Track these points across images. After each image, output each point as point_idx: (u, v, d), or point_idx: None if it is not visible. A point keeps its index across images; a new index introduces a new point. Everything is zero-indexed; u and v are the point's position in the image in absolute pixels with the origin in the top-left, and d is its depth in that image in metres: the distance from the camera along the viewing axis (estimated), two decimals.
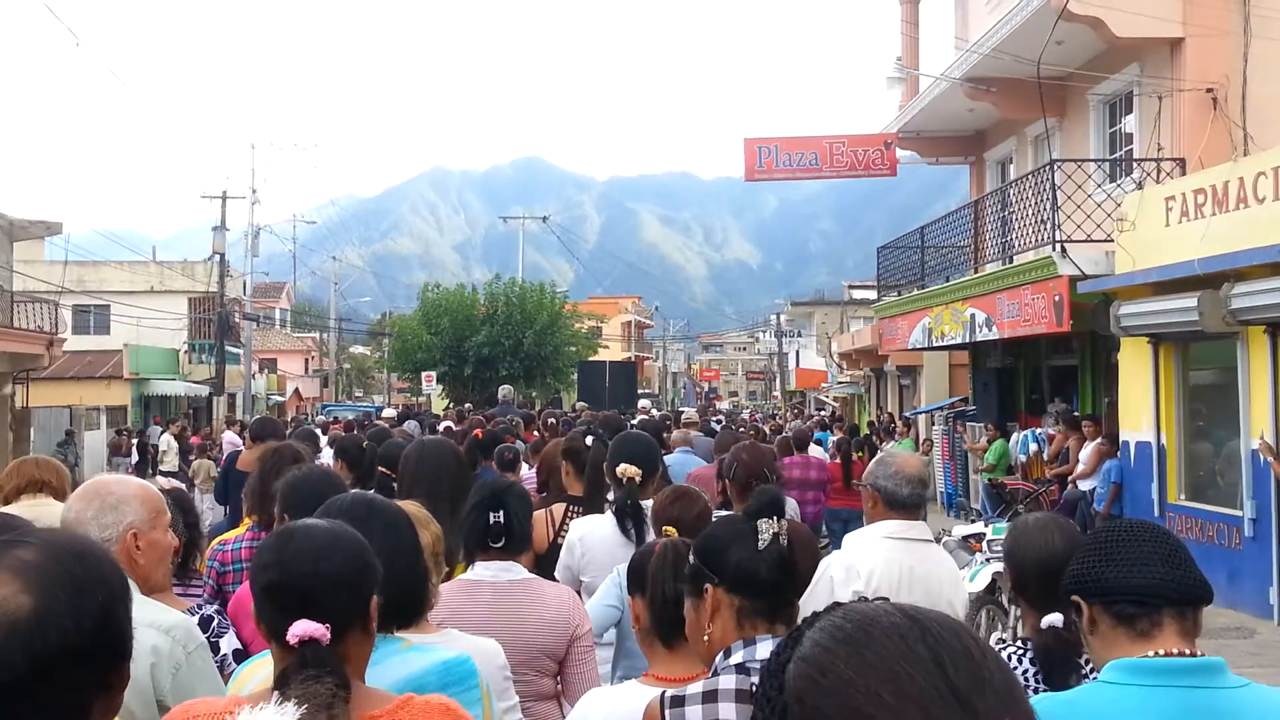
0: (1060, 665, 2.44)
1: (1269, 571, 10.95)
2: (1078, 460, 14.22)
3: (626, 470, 4.66)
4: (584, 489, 5.37)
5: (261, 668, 2.33)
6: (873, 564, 3.78)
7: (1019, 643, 2.82)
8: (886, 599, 0.98)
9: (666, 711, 2.27)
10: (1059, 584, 2.20)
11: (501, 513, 3.47)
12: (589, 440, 5.63)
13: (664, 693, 2.33)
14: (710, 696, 2.26)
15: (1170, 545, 2.14)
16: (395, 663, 2.37)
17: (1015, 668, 2.75)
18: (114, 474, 3.13)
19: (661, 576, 2.72)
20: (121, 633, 1.47)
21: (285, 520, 3.20)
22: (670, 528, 3.63)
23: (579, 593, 4.32)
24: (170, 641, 2.59)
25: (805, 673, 0.89)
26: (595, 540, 4.59)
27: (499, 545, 3.47)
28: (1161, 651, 2.01)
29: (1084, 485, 13.91)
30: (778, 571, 2.41)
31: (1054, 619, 2.44)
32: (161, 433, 28.03)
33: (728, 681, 2.27)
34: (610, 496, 5.11)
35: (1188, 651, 2.02)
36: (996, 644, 8.47)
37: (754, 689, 0.88)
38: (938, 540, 7.49)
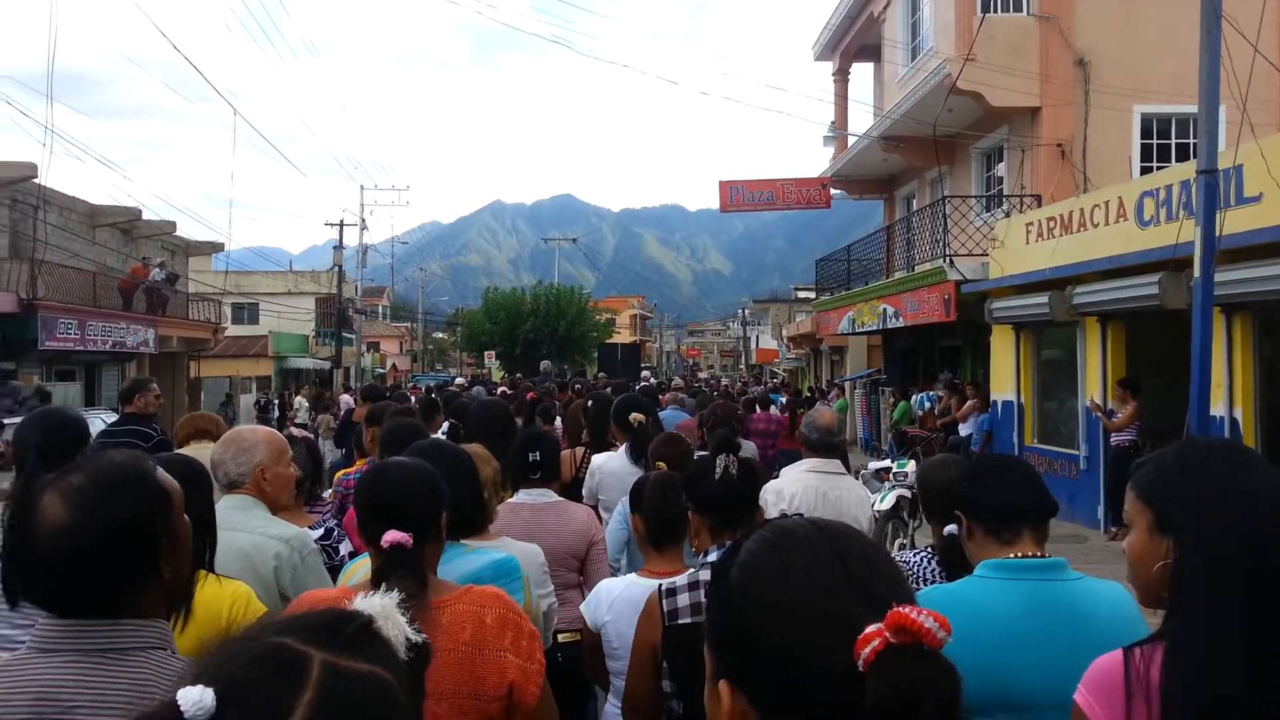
0: (957, 563, 2.41)
1: (1097, 495, 10.95)
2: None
3: (637, 418, 4.75)
4: (590, 436, 5.46)
5: (362, 565, 2.31)
6: (795, 490, 3.79)
7: (928, 549, 2.79)
8: (802, 514, 0.98)
9: (663, 600, 2.27)
10: (954, 504, 2.17)
11: (537, 452, 3.44)
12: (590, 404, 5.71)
13: (661, 585, 2.32)
14: (694, 586, 2.27)
15: (1027, 474, 2.10)
16: (459, 562, 2.35)
17: (925, 567, 2.72)
18: (250, 425, 3.07)
19: (653, 499, 2.68)
20: (148, 536, 1.41)
21: (384, 458, 3.17)
22: (661, 463, 3.61)
23: (596, 508, 4.30)
24: (289, 549, 2.55)
25: (743, 573, 0.88)
26: (609, 470, 4.68)
27: (536, 477, 3.44)
28: (1020, 554, 1.99)
29: (963, 431, 13.86)
30: (728, 492, 2.39)
31: (952, 529, 2.41)
32: (294, 396, 28.22)
33: (706, 575, 2.26)
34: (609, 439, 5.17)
35: (1039, 554, 2.00)
36: (898, 549, 8.34)
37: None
38: (856, 474, 7.43)
